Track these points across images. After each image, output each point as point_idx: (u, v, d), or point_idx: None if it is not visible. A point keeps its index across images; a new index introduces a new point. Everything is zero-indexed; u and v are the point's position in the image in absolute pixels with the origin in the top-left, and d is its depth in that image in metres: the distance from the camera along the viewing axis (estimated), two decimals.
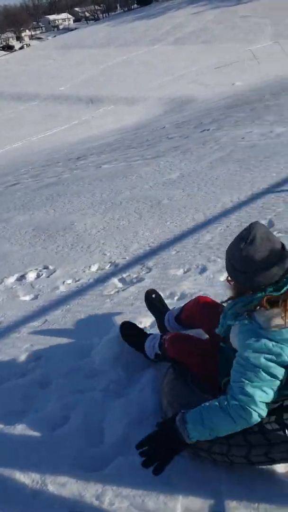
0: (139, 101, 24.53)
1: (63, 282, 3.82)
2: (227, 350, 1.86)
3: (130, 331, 2.57)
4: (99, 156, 10.45)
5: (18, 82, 35.29)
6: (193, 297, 2.52)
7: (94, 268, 3.98)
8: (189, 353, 2.08)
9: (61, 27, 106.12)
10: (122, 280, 3.66)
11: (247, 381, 1.59)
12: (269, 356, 1.61)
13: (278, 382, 1.62)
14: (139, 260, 3.94)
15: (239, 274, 1.70)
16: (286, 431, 1.61)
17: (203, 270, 3.49)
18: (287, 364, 1.62)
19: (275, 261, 1.63)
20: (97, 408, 2.26)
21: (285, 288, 1.64)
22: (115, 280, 3.69)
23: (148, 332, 2.55)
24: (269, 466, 1.76)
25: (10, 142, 20.47)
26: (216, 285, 3.17)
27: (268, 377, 1.60)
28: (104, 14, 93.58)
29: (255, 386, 1.59)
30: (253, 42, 33.24)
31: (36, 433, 2.16)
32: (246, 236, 1.66)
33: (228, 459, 1.72)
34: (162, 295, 2.84)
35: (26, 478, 1.91)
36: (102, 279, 3.75)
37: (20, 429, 2.20)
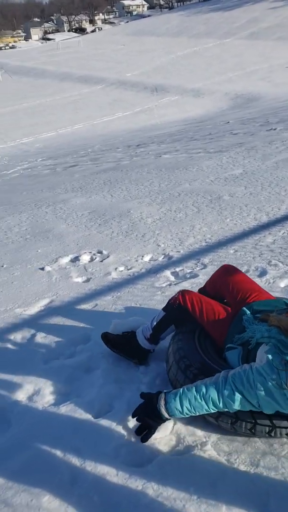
0: (205, 94, 24.17)
1: (116, 268, 3.79)
2: (245, 319, 2.02)
3: (115, 339, 2.51)
4: (159, 145, 10.36)
5: (86, 65, 35.60)
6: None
7: (147, 258, 3.92)
8: (206, 310, 2.21)
9: (134, 13, 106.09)
10: (175, 274, 3.58)
11: (238, 392, 1.74)
12: (271, 401, 1.70)
13: (257, 410, 1.77)
14: (194, 255, 3.85)
15: None
16: None
17: (263, 273, 3.36)
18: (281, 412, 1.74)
19: None
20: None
21: None
22: (167, 272, 3.61)
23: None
24: None
25: (71, 124, 20.70)
26: (276, 291, 3.03)
27: (256, 406, 1.74)
28: (178, 3, 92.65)
29: (242, 399, 1.74)
30: None
31: (79, 418, 2.13)
32: None
33: (234, 429, 1.88)
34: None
35: (66, 463, 1.89)
36: (154, 270, 3.68)
37: (64, 411, 2.19)
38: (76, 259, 4.03)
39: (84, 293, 3.44)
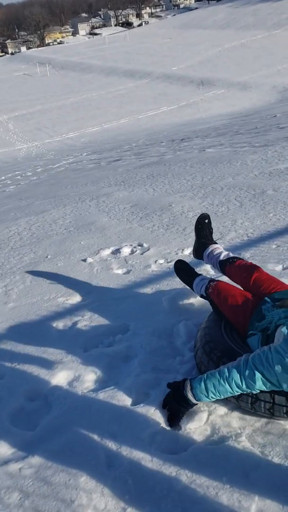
0: (252, 87, 23.75)
1: (155, 261, 3.83)
2: (265, 308, 2.13)
3: (182, 268, 2.85)
4: (203, 140, 10.30)
5: (132, 59, 35.70)
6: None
7: (187, 251, 3.93)
8: (231, 303, 2.32)
9: (181, 6, 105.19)
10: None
11: (259, 371, 1.80)
12: None
13: (277, 389, 1.82)
14: (235, 249, 3.83)
15: None
16: None
17: None
18: None
19: None
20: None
21: None
22: (207, 266, 3.61)
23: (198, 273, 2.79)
24: None
25: (117, 118, 20.88)
26: None
27: (277, 384, 1.80)
28: None
29: (262, 379, 1.81)
30: None
31: (116, 404, 2.19)
32: None
33: (253, 409, 1.96)
34: None
35: (103, 446, 1.95)
36: (194, 264, 3.65)
37: (102, 397, 2.25)
38: (117, 252, 4.10)
39: (124, 284, 3.51)
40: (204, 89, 25.66)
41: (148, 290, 3.36)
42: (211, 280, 2.63)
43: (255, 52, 32.77)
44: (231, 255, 2.79)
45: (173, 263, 3.71)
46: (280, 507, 1.63)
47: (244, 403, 1.98)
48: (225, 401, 2.12)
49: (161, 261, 3.82)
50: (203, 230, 2.92)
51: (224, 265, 2.70)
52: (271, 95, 21.70)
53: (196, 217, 3.03)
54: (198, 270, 2.89)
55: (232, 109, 19.19)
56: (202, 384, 1.93)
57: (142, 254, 4.02)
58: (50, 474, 1.86)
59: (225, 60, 31.83)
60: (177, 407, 2.01)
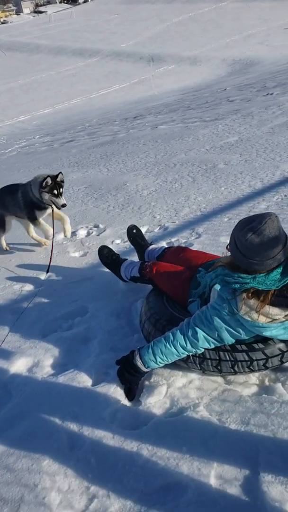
0: (202, 61, 23.65)
1: (112, 241, 3.82)
2: (199, 276, 2.29)
3: (107, 254, 3.01)
4: (156, 116, 10.24)
5: (80, 37, 34.80)
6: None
7: (143, 230, 3.93)
8: (167, 278, 2.47)
9: None
10: (170, 244, 3.60)
11: (200, 329, 1.95)
12: (229, 328, 1.92)
13: (219, 344, 1.98)
14: (189, 225, 3.86)
15: (239, 255, 1.86)
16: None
17: None
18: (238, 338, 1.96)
19: (273, 256, 1.79)
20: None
21: (269, 287, 1.82)
22: (163, 243, 3.63)
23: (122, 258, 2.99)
24: None
25: (68, 98, 20.40)
26: None
27: (218, 339, 1.95)
28: None
29: (204, 336, 1.96)
30: None
31: (77, 386, 2.20)
32: (256, 228, 1.78)
33: (202, 369, 2.08)
34: None
35: (65, 429, 1.97)
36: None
37: (62, 380, 2.26)
38: (72, 234, 4.05)
39: (81, 267, 3.49)
40: (154, 65, 25.34)
41: (106, 271, 3.34)
42: (144, 261, 2.82)
43: (203, 25, 32.53)
44: (165, 246, 3.06)
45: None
46: (238, 470, 1.69)
47: (192, 364, 2.09)
48: (182, 373, 2.17)
49: (118, 241, 3.82)
50: (136, 239, 3.16)
51: (160, 256, 2.89)
52: (221, 69, 21.68)
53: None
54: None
55: (184, 84, 19.07)
56: (150, 350, 2.03)
57: (98, 235, 4.00)
58: (12, 461, 1.86)
59: (173, 34, 31.46)
60: (129, 378, 2.09)
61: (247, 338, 1.96)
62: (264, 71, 16.41)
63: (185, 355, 2.03)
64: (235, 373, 2.06)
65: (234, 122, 6.99)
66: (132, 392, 2.10)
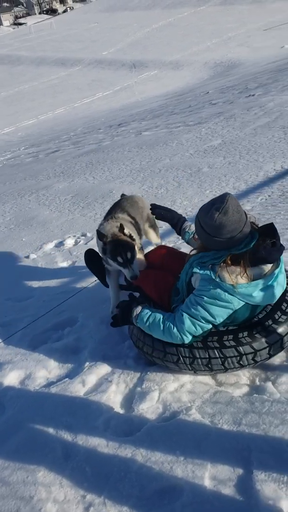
0: (184, 65, 23.80)
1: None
2: (179, 283, 2.34)
3: (93, 258, 2.95)
4: (140, 123, 10.29)
5: (62, 47, 34.89)
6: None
7: None
8: (154, 283, 2.52)
9: None
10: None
11: (186, 313, 2.05)
12: (220, 303, 1.99)
13: (209, 326, 2.05)
14: None
15: (209, 237, 1.98)
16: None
17: None
18: (234, 310, 2.03)
19: (240, 229, 1.93)
20: (130, 375, 2.29)
21: (244, 249, 1.96)
22: (151, 248, 3.65)
23: None
24: None
25: (52, 109, 20.43)
26: None
27: (203, 321, 2.03)
28: None
29: (190, 319, 2.04)
30: None
31: (69, 396, 2.21)
32: (221, 207, 1.91)
33: (193, 369, 2.14)
34: None
35: (59, 439, 1.97)
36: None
37: (54, 391, 2.26)
38: (60, 244, 4.07)
39: (70, 276, 3.50)
40: (136, 71, 25.47)
41: (94, 279, 3.36)
42: None
43: (183, 30, 32.75)
44: None
45: None
46: (231, 470, 1.70)
47: (183, 365, 2.13)
48: (174, 378, 2.19)
49: None
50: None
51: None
52: (204, 72, 21.83)
53: None
54: None
55: (167, 89, 19.18)
56: (147, 315, 2.18)
57: (86, 244, 4.01)
58: (7, 474, 1.86)
59: (154, 40, 31.63)
60: (122, 314, 2.28)
61: (238, 308, 2.03)
62: (245, 72, 16.56)
63: (169, 340, 2.11)
64: (226, 370, 2.10)
65: (217, 125, 7.05)
66: (116, 322, 2.30)
